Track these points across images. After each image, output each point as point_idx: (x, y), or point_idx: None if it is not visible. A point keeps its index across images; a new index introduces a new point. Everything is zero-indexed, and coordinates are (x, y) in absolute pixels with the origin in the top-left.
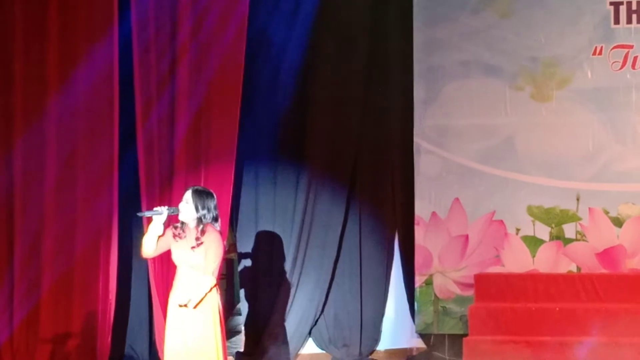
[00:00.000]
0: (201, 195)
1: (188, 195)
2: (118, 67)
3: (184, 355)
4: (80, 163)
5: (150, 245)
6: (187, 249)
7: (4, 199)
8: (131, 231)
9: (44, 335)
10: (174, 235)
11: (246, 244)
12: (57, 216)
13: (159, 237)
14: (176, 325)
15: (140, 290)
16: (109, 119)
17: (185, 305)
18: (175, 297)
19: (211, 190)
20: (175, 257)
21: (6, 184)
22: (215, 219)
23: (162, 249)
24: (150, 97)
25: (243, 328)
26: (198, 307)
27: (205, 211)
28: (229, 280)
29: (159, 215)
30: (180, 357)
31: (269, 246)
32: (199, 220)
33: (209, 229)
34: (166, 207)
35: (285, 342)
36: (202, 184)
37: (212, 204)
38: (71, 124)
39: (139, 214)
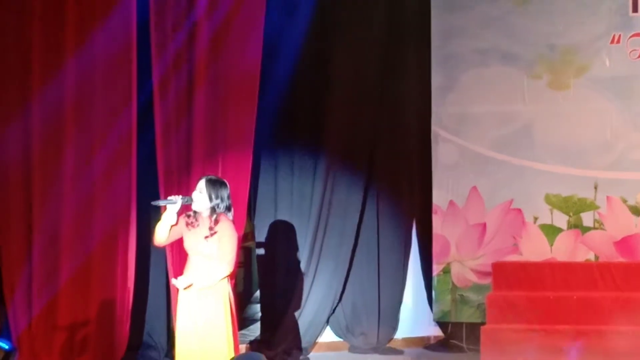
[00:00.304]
0: (215, 184)
1: (202, 184)
2: (136, 48)
3: (194, 336)
4: (98, 152)
5: (162, 233)
6: (200, 238)
7: (21, 189)
8: (149, 219)
9: (62, 323)
10: (187, 224)
11: (264, 232)
12: (75, 204)
13: (172, 226)
14: (185, 309)
15: (158, 278)
16: (126, 108)
17: (190, 286)
18: (179, 285)
19: (224, 180)
20: (187, 246)
21: (24, 173)
22: (228, 209)
23: (174, 237)
24: (168, 85)
25: (260, 316)
26: (208, 292)
27: (218, 200)
28: (246, 268)
29: (173, 204)
30: (191, 338)
31: (286, 234)
32: (213, 209)
33: (222, 218)
34: (180, 196)
35: (302, 330)
36: (219, 172)
37: (225, 193)
38: (89, 111)
39: (153, 203)
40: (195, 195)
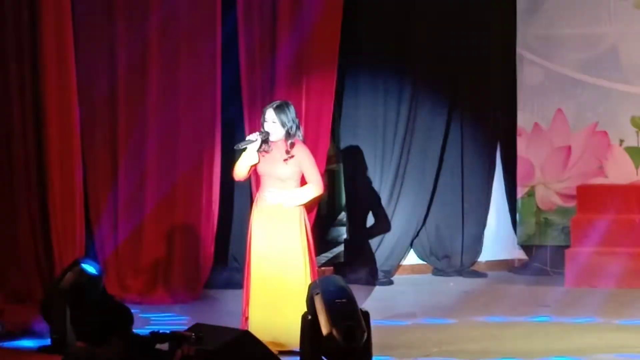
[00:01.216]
0: (282, 109)
1: (271, 114)
2: None
3: (271, 261)
4: (182, 76)
5: (243, 171)
6: (277, 162)
7: (107, 115)
8: (234, 143)
9: (147, 247)
10: (261, 152)
11: (348, 155)
12: (160, 127)
13: (252, 165)
14: (260, 233)
15: (243, 200)
16: (211, 31)
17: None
18: (269, 199)
19: (287, 101)
20: (263, 170)
21: (109, 101)
22: (298, 128)
23: (251, 169)
24: (252, 7)
25: (344, 239)
26: (284, 217)
27: (290, 123)
28: (330, 191)
29: (253, 143)
30: (268, 262)
31: (370, 157)
32: (287, 133)
33: (297, 140)
34: (258, 133)
35: (386, 253)
36: (303, 96)
37: (293, 114)
38: (173, 36)
39: (236, 147)
40: (268, 127)
